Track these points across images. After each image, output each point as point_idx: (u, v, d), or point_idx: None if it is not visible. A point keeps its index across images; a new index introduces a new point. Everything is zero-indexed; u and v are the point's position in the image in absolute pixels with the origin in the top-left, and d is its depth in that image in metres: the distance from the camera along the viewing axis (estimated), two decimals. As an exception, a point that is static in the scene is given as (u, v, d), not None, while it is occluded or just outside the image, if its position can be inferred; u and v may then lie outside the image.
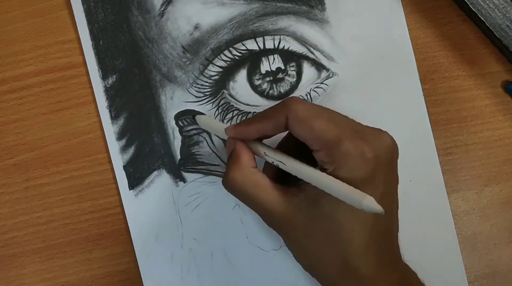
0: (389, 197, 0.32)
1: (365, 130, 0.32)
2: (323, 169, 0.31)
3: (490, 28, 0.39)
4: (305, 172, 0.31)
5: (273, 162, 0.33)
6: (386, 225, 0.32)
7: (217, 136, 0.41)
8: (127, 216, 0.42)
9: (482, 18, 0.39)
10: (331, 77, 0.42)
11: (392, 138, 0.32)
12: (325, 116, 0.31)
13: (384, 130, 0.33)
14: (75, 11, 0.43)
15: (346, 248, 0.31)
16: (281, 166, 0.32)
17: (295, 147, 0.34)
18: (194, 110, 0.42)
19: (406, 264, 0.34)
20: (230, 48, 0.42)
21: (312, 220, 0.31)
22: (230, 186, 0.34)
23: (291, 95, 0.33)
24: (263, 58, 0.42)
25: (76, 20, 0.43)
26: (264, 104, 0.42)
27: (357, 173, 0.30)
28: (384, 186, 0.31)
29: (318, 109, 0.32)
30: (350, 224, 0.30)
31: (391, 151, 0.32)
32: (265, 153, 0.34)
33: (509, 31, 0.39)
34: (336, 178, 0.30)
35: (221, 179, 0.41)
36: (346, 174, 0.30)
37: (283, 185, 0.33)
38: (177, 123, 0.42)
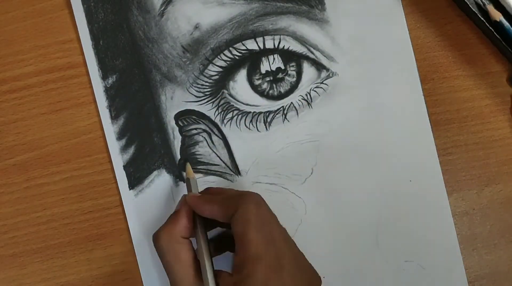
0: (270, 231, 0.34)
1: (289, 264, 0.32)
2: (228, 274, 0.33)
3: (490, 28, 0.39)
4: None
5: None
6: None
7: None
8: (127, 216, 0.42)
9: (482, 18, 0.39)
10: (331, 77, 0.42)
11: (251, 197, 0.34)
12: (264, 230, 0.33)
13: (316, 275, 0.35)
14: (75, 11, 0.43)
15: None
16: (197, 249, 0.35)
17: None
18: (194, 110, 0.42)
19: None
20: (230, 48, 0.42)
21: None
22: (154, 241, 0.36)
23: (253, 192, 0.36)
24: (263, 58, 0.42)
25: (76, 20, 0.43)
26: (264, 104, 0.42)
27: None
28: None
29: (263, 220, 0.33)
30: None
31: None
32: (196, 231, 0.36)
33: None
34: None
35: (221, 179, 0.41)
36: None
37: None
38: (177, 123, 0.42)
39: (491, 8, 0.39)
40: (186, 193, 0.39)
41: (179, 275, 0.34)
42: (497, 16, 0.38)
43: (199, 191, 0.39)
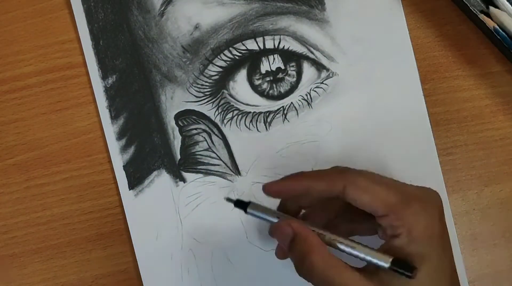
0: (450, 250, 0.32)
1: (416, 190, 0.32)
2: (393, 235, 0.31)
3: (490, 28, 0.39)
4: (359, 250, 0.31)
5: (330, 242, 0.32)
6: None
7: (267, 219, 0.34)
8: (127, 216, 0.42)
9: (481, 19, 0.39)
10: (331, 77, 0.42)
11: (436, 192, 0.33)
12: (384, 182, 0.32)
13: (427, 187, 0.33)
14: (75, 11, 0.43)
15: None
16: (338, 245, 0.32)
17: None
18: (194, 110, 0.42)
19: None
20: (230, 48, 0.42)
21: None
22: (311, 272, 0.31)
23: (342, 166, 0.33)
24: (263, 58, 0.42)
25: (76, 20, 0.43)
26: (264, 104, 0.42)
27: (431, 230, 0.30)
28: (447, 236, 0.32)
29: (375, 176, 0.32)
30: None
31: (442, 205, 0.32)
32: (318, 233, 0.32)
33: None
34: (412, 238, 0.30)
35: (221, 179, 0.41)
36: (421, 232, 0.30)
37: None
38: (177, 123, 0.42)
39: (483, 17, 0.39)
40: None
41: (353, 279, 0.31)
42: (491, 24, 0.39)
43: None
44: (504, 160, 0.41)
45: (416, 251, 0.30)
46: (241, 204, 0.34)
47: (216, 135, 0.42)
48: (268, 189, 0.33)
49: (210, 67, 0.42)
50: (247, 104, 0.42)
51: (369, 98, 0.41)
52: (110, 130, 0.42)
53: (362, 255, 0.31)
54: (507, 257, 0.40)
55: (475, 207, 0.41)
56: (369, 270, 0.31)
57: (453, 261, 0.32)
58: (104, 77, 0.42)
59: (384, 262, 0.30)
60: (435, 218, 0.31)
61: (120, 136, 0.42)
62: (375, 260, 0.30)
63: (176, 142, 0.42)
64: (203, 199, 0.42)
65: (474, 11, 0.39)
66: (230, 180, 0.42)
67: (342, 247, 0.32)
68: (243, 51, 0.42)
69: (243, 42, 0.42)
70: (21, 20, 0.44)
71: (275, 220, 0.33)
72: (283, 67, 0.42)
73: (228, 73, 0.42)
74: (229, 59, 0.42)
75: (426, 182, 0.40)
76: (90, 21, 0.43)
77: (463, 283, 0.40)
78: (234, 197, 0.39)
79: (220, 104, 0.42)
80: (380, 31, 0.42)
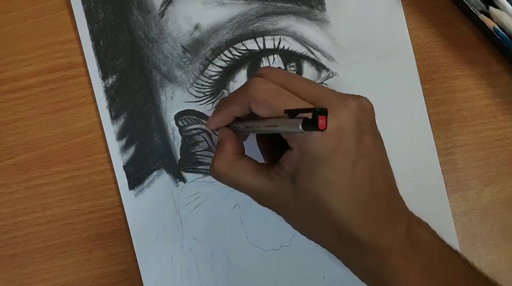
0: (372, 155, 0.32)
1: (329, 98, 0.31)
2: (289, 150, 0.31)
3: (490, 28, 0.39)
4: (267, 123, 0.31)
5: (253, 130, 0.33)
6: (375, 184, 0.31)
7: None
8: (127, 216, 0.42)
9: (481, 19, 0.39)
10: (331, 77, 0.42)
11: (364, 103, 0.32)
12: (284, 94, 0.31)
13: (357, 95, 0.32)
14: (75, 11, 0.43)
15: (333, 217, 0.30)
16: (257, 129, 0.32)
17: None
18: (194, 110, 0.42)
19: (412, 215, 0.34)
20: (230, 48, 0.42)
21: (295, 197, 0.31)
22: (215, 174, 0.34)
23: (255, 77, 0.33)
24: (263, 58, 0.42)
25: (76, 20, 0.43)
26: (264, 104, 0.42)
27: (324, 146, 0.30)
28: (362, 153, 0.30)
29: (276, 88, 0.31)
30: (329, 195, 0.30)
31: (358, 120, 0.31)
32: (244, 127, 0.34)
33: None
34: (303, 153, 0.30)
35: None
36: (311, 148, 0.30)
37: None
38: (177, 123, 0.42)
39: (483, 17, 0.39)
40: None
41: (253, 185, 0.33)
42: (491, 24, 0.39)
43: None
44: (504, 160, 0.41)
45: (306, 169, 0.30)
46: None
47: (216, 135, 0.42)
48: (209, 127, 0.36)
49: (210, 67, 0.42)
50: (247, 104, 0.42)
51: (369, 98, 0.41)
52: (110, 130, 0.42)
53: (274, 126, 0.31)
54: (507, 257, 0.40)
55: (475, 207, 0.41)
56: (275, 170, 0.32)
57: (382, 159, 0.32)
58: (104, 77, 0.42)
59: (296, 124, 0.28)
60: (334, 133, 0.29)
61: (120, 136, 0.42)
62: (286, 126, 0.29)
63: (176, 142, 0.42)
64: (203, 199, 0.42)
65: (474, 11, 0.39)
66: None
67: (259, 128, 0.32)
68: (243, 51, 0.42)
69: (243, 42, 0.42)
70: (21, 20, 0.44)
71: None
72: (283, 67, 0.42)
73: (228, 73, 0.42)
74: (229, 59, 0.42)
75: (426, 182, 0.41)
76: (90, 21, 0.43)
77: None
78: (233, 201, 0.40)
79: (220, 104, 0.42)
80: (380, 31, 0.42)
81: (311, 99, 0.31)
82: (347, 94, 0.32)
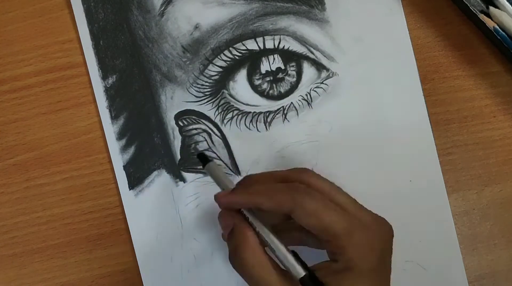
0: (387, 282, 0.33)
1: (368, 218, 0.32)
2: (333, 260, 0.32)
3: (490, 28, 0.39)
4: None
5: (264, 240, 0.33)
6: None
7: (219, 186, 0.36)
8: (127, 216, 0.42)
9: (481, 19, 0.39)
10: (331, 77, 0.42)
11: (390, 225, 0.33)
12: (333, 207, 0.31)
13: (381, 216, 0.33)
14: (75, 11, 0.43)
15: None
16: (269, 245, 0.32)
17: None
18: (194, 110, 0.42)
19: None
20: (230, 48, 0.42)
21: None
22: (240, 265, 0.32)
23: (296, 182, 0.33)
24: (263, 58, 0.42)
25: (76, 20, 0.43)
26: (264, 104, 0.42)
27: (368, 263, 0.31)
28: (386, 271, 0.32)
29: (325, 200, 0.32)
30: None
31: (391, 240, 0.33)
32: (258, 231, 0.33)
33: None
34: (348, 268, 0.31)
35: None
36: (357, 264, 0.31)
37: None
38: (177, 123, 0.42)
39: (483, 17, 0.39)
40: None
41: (273, 284, 0.32)
42: (491, 24, 0.39)
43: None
44: (504, 160, 0.41)
45: (348, 279, 0.31)
46: (202, 158, 0.35)
47: (216, 135, 0.42)
48: (218, 200, 0.33)
49: (210, 67, 0.42)
50: (247, 104, 0.42)
51: (369, 98, 0.41)
52: (110, 130, 0.42)
53: (281, 259, 0.32)
54: (507, 257, 0.40)
55: (475, 207, 0.41)
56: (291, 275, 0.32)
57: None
58: (104, 77, 0.42)
59: (297, 273, 0.31)
60: (375, 252, 0.31)
61: (120, 136, 0.42)
62: (290, 268, 0.31)
63: (176, 142, 0.42)
64: (203, 199, 0.42)
65: (474, 11, 0.39)
66: (230, 180, 0.42)
67: (269, 245, 0.32)
68: (243, 51, 0.42)
69: (243, 42, 0.42)
70: (21, 20, 0.43)
71: (226, 187, 0.34)
72: (283, 67, 0.42)
73: (228, 73, 0.42)
74: (229, 59, 0.42)
75: (426, 182, 0.41)
76: (90, 21, 0.43)
77: (463, 283, 0.40)
78: None
79: (220, 104, 0.42)
80: (380, 31, 0.42)
81: (355, 220, 0.31)
82: (376, 214, 0.33)
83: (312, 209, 0.31)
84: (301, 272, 0.31)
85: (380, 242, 0.32)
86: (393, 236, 0.33)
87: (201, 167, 0.42)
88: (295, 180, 0.33)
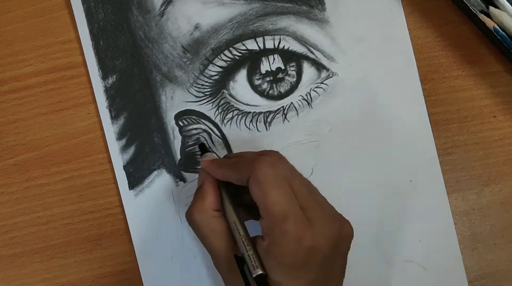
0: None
1: (318, 215, 0.32)
2: (261, 238, 0.32)
3: (490, 28, 0.39)
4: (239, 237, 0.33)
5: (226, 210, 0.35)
6: None
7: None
8: (127, 216, 0.42)
9: (481, 19, 0.39)
10: (331, 77, 0.42)
11: (347, 228, 0.33)
12: (284, 187, 0.31)
13: (345, 219, 0.33)
14: (75, 11, 0.43)
15: None
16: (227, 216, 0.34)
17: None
18: (194, 110, 0.42)
19: None
20: (230, 48, 0.42)
21: None
22: (189, 220, 0.35)
23: (272, 150, 0.35)
24: (263, 58, 0.42)
25: (76, 20, 0.43)
26: (264, 104, 0.42)
27: (290, 257, 0.30)
28: (318, 275, 0.31)
29: (280, 178, 0.32)
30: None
31: (336, 244, 0.32)
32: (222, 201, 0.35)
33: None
34: (269, 252, 0.31)
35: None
36: (277, 252, 0.31)
37: None
38: (177, 123, 0.42)
39: (483, 17, 0.39)
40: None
41: (217, 247, 0.33)
42: (491, 24, 0.39)
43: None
44: (504, 160, 0.41)
45: (267, 261, 0.31)
46: (202, 148, 0.39)
47: (216, 135, 0.42)
48: (202, 162, 0.36)
49: (210, 67, 0.42)
50: (247, 104, 0.42)
51: (369, 98, 0.41)
52: (110, 130, 0.42)
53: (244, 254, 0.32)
54: (507, 257, 0.40)
55: (475, 207, 0.41)
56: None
57: None
58: (104, 77, 0.42)
59: (253, 272, 0.31)
60: (303, 249, 0.30)
61: (120, 136, 0.42)
62: (249, 265, 0.32)
63: (176, 142, 0.42)
64: (203, 199, 0.42)
65: (474, 11, 0.39)
66: (230, 180, 0.42)
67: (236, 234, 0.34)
68: (243, 51, 0.42)
69: (243, 42, 0.42)
70: (21, 20, 0.43)
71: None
72: (283, 67, 0.42)
73: (228, 73, 0.42)
74: (229, 59, 0.42)
75: (426, 182, 0.41)
76: (90, 21, 0.43)
77: (463, 283, 0.40)
78: None
79: (220, 104, 0.42)
80: (380, 31, 0.42)
81: (302, 204, 0.31)
82: (335, 214, 0.33)
83: (262, 180, 0.31)
84: (257, 271, 0.31)
85: (312, 240, 0.31)
86: (347, 240, 0.33)
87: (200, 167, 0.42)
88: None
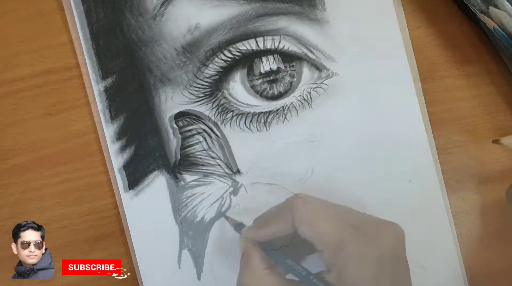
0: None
1: (366, 226, 0.33)
2: (326, 272, 0.32)
3: (490, 28, 0.39)
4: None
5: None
6: None
7: None
8: (126, 217, 0.42)
9: (481, 19, 0.39)
10: (331, 77, 0.42)
11: (396, 230, 0.34)
12: (328, 216, 0.33)
13: (393, 222, 0.34)
14: (72, 13, 0.42)
15: None
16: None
17: None
18: (194, 111, 0.42)
19: None
20: (230, 48, 0.41)
21: None
22: (240, 284, 0.35)
23: (297, 193, 0.36)
24: (263, 58, 0.41)
25: (73, 22, 0.42)
26: (263, 104, 0.41)
27: (361, 276, 0.31)
28: (392, 278, 0.32)
29: (321, 209, 0.33)
30: None
31: (395, 246, 0.33)
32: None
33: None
34: (340, 279, 0.31)
35: (220, 179, 0.41)
36: (350, 276, 0.31)
37: None
38: (176, 123, 0.42)
39: (483, 17, 0.39)
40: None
41: None
42: (491, 24, 0.39)
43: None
44: (504, 160, 0.41)
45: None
46: (238, 227, 0.40)
47: (215, 135, 0.42)
48: (245, 234, 0.37)
49: (210, 67, 0.42)
50: (247, 104, 0.42)
51: (369, 98, 0.41)
52: (108, 131, 0.42)
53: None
54: (506, 257, 0.41)
55: (474, 206, 0.41)
56: None
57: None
58: (101, 79, 0.42)
59: None
60: (370, 264, 0.31)
61: (118, 137, 0.42)
62: None
63: (175, 142, 0.42)
64: (202, 199, 0.42)
65: (474, 11, 0.39)
66: (229, 180, 0.42)
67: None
68: (243, 51, 0.41)
69: (243, 42, 0.41)
70: (18, 22, 0.43)
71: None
72: (283, 67, 0.41)
73: (227, 73, 0.42)
74: (228, 59, 0.42)
75: (426, 182, 0.41)
76: (87, 24, 0.42)
77: (462, 283, 0.40)
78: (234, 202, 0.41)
79: (219, 104, 0.42)
80: (380, 31, 0.42)
81: (349, 230, 0.32)
82: (382, 221, 0.34)
83: (307, 218, 0.32)
84: None
85: (375, 252, 0.32)
86: (398, 242, 0.33)
87: (200, 167, 0.42)
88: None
